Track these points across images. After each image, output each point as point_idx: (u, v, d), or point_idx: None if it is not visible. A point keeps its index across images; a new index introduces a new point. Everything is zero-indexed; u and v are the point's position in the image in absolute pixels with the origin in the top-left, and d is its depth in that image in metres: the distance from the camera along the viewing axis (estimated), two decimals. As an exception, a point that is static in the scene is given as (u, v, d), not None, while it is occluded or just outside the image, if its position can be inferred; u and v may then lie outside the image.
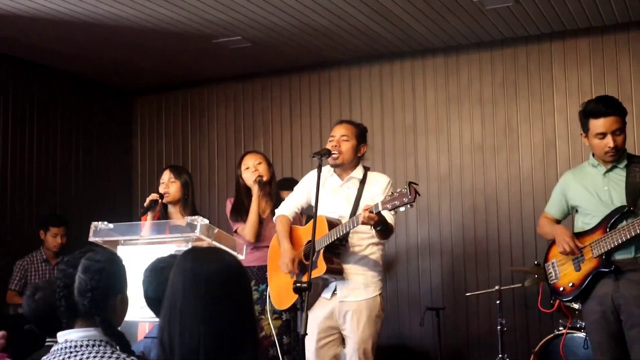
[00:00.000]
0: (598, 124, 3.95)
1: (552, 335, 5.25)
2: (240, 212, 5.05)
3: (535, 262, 5.62)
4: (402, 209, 3.81)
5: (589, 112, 4.01)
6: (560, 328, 5.25)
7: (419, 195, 3.83)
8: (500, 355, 5.71)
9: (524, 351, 6.07)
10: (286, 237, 4.40)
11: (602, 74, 6.44)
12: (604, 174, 4.01)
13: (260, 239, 4.96)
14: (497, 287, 5.81)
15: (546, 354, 5.23)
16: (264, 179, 5.01)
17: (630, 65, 6.35)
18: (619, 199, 3.93)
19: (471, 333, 6.65)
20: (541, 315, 6.21)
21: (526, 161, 6.63)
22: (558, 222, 4.24)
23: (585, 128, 4.03)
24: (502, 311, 5.76)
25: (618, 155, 3.98)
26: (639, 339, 3.82)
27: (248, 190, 5.07)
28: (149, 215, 4.97)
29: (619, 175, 3.99)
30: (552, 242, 4.19)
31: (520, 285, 5.91)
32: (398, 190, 3.83)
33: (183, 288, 2.02)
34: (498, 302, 5.77)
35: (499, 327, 5.74)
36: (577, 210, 4.15)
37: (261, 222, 5.04)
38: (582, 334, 4.97)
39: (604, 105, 3.98)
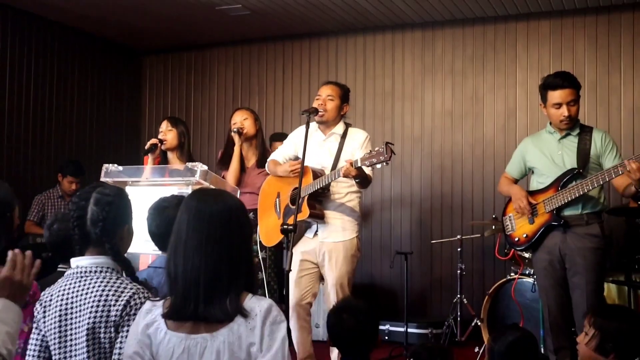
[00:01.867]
0: (555, 95, 3.95)
1: (504, 279, 5.29)
2: (227, 161, 5.02)
3: (493, 216, 5.63)
4: (378, 166, 3.80)
5: (547, 84, 4.00)
6: (512, 274, 5.29)
7: (394, 154, 3.81)
8: (458, 295, 5.78)
9: (480, 293, 6.13)
10: (280, 164, 4.41)
11: (560, 52, 6.39)
12: (558, 140, 4.02)
13: (242, 185, 4.89)
14: (458, 237, 5.84)
15: (499, 295, 5.28)
16: (243, 130, 4.96)
17: (585, 46, 6.31)
18: (571, 162, 3.94)
19: (434, 275, 6.70)
20: (495, 263, 6.26)
21: (489, 127, 6.61)
22: (516, 181, 4.27)
23: (544, 99, 4.03)
24: (462, 257, 5.80)
25: (572, 124, 3.98)
26: (580, 285, 3.86)
27: (235, 142, 5.04)
28: (150, 157, 4.92)
29: (572, 142, 4.00)
30: (510, 199, 4.21)
31: (478, 235, 5.94)
32: (376, 149, 3.81)
33: (188, 225, 1.99)
34: (459, 249, 5.81)
35: (458, 272, 5.79)
36: (533, 171, 4.17)
37: (244, 170, 5.00)
38: (530, 280, 5.01)
39: (561, 79, 3.97)
